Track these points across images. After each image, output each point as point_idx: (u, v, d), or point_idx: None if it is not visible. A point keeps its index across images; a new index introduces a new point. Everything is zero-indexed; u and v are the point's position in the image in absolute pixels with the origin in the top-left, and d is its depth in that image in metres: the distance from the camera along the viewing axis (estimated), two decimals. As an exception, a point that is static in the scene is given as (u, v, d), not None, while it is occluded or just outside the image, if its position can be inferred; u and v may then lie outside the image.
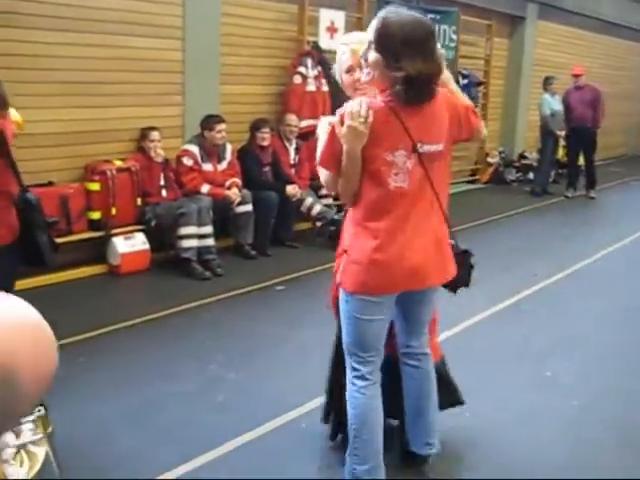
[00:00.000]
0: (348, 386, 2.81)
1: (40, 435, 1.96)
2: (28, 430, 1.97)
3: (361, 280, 2.62)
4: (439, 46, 2.62)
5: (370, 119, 2.43)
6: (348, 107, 2.46)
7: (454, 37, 9.89)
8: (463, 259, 2.87)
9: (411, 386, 2.97)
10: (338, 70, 2.83)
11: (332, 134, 2.53)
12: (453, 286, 2.86)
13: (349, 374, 2.81)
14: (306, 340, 4.52)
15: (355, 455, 2.81)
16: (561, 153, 12.08)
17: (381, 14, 2.51)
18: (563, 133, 10.59)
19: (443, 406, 3.15)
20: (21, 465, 2.06)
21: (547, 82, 10.73)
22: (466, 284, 2.91)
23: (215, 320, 5.00)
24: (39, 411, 2.03)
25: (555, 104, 10.59)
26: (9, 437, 1.88)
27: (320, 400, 3.45)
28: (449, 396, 3.22)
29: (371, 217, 2.59)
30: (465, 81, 10.35)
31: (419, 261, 2.60)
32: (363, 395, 2.76)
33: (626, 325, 5.16)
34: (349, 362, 2.80)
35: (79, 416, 3.46)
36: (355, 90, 2.72)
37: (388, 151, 2.50)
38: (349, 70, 2.75)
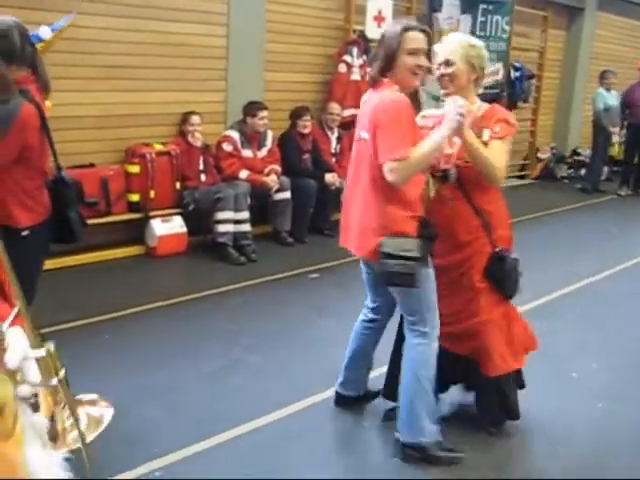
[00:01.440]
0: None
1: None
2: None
3: None
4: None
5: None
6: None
7: (507, 28, 9.66)
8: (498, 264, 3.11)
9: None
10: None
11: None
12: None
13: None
14: (332, 328, 4.51)
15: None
16: (617, 150, 11.73)
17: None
18: (617, 129, 10.26)
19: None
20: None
21: (603, 76, 10.38)
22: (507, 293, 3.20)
23: (244, 304, 5.03)
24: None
25: (610, 99, 10.25)
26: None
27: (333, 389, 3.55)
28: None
29: None
30: (517, 73, 10.12)
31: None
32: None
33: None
34: None
35: (98, 390, 3.52)
36: (414, 74, 2.88)
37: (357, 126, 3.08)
38: (413, 52, 2.86)
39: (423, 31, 2.89)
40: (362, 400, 3.54)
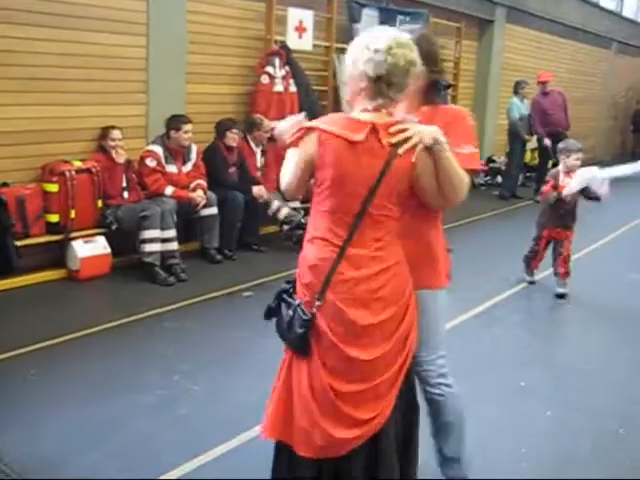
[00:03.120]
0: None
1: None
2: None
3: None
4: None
5: None
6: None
7: (423, 39, 9.77)
8: None
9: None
10: None
11: None
12: None
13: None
14: (276, 350, 4.33)
15: None
16: (529, 157, 12.10)
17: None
18: (533, 138, 10.58)
19: None
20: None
21: (519, 86, 10.71)
22: None
23: (179, 328, 4.79)
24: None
25: (524, 109, 10.57)
26: None
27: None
28: None
29: None
30: (434, 83, 10.23)
31: None
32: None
33: (596, 333, 5.08)
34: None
35: (27, 437, 3.23)
36: None
37: None
38: None
39: None
40: None
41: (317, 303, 2.33)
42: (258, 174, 6.95)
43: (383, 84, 2.28)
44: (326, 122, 2.33)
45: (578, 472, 3.17)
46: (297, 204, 7.14)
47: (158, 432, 3.37)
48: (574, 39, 15.03)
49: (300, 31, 7.75)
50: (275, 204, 6.81)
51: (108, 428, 3.38)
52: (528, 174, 12.24)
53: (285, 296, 2.47)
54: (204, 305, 5.29)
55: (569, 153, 5.56)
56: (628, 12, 18.13)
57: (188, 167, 6.30)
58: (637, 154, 18.25)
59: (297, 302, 2.40)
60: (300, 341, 2.37)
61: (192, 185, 6.22)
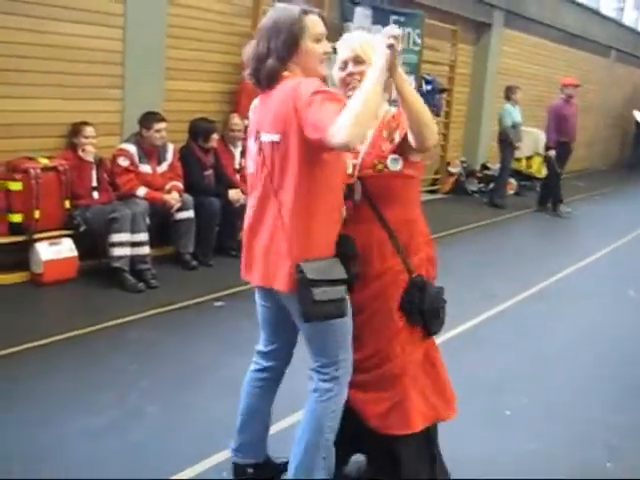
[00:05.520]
0: None
1: None
2: None
3: None
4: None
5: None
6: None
7: (418, 41, 9.51)
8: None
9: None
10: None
11: None
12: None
13: None
14: (242, 367, 4.02)
15: None
16: (524, 165, 11.85)
17: None
18: (521, 144, 10.32)
19: None
20: None
21: (510, 92, 10.41)
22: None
23: (143, 340, 4.47)
24: None
25: (516, 115, 10.28)
26: None
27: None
28: None
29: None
30: (429, 87, 9.98)
31: (246, 253, 2.60)
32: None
33: (592, 354, 4.79)
34: None
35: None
36: (321, 62, 2.51)
37: (249, 136, 2.59)
38: (319, 38, 2.48)
39: (319, 14, 2.50)
40: (264, 471, 2.89)
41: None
42: (236, 176, 6.63)
43: None
44: None
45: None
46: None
47: (103, 459, 3.06)
48: (572, 46, 14.78)
49: (288, 28, 7.43)
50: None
51: (47, 453, 3.06)
52: (523, 183, 11.97)
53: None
54: (173, 315, 4.98)
55: None
56: (628, 20, 17.90)
57: (163, 167, 5.98)
58: (635, 165, 18.00)
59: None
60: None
61: (167, 187, 5.91)
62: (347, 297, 2.46)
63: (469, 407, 3.56)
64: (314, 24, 2.45)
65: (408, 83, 2.41)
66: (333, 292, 2.37)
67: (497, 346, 4.77)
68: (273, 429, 3.01)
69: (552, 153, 9.87)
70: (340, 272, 2.41)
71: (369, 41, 2.57)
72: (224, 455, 3.07)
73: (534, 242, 8.74)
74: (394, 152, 2.56)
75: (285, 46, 2.41)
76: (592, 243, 8.38)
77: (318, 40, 2.46)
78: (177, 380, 3.92)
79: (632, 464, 3.35)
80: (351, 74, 2.57)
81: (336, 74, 2.65)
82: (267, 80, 2.45)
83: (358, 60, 2.56)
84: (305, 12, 2.44)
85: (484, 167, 11.90)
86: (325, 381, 2.55)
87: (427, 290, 2.63)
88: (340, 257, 2.46)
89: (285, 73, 2.44)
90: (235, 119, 6.61)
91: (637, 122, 17.55)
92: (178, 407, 3.59)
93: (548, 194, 10.32)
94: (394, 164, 2.55)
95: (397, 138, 2.55)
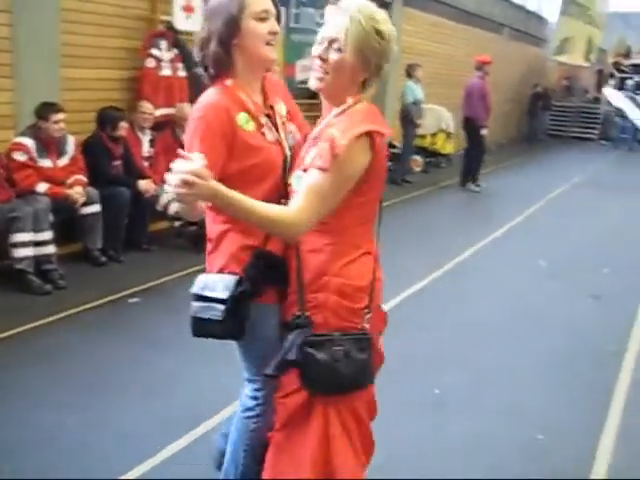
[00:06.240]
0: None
1: None
2: None
3: None
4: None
5: None
6: None
7: (320, 21, 9.41)
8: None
9: None
10: None
11: None
12: None
13: None
14: (171, 366, 3.86)
15: None
16: (428, 142, 12.02)
17: None
18: (420, 122, 10.48)
19: None
20: None
21: (412, 69, 10.54)
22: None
23: (54, 346, 4.21)
24: None
25: (418, 92, 10.41)
26: None
27: (186, 440, 2.89)
28: None
29: None
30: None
31: None
32: None
33: (509, 331, 4.89)
34: None
35: None
36: (267, 44, 2.25)
37: None
38: (263, 17, 2.21)
39: None
40: None
41: (367, 316, 2.19)
42: (145, 164, 6.37)
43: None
44: (369, 119, 2.13)
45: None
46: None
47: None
48: (470, 24, 15.09)
49: (188, 11, 7.16)
50: (165, 198, 6.25)
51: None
52: (429, 160, 12.16)
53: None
54: (85, 315, 4.72)
55: None
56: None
57: (64, 161, 5.65)
58: (532, 138, 18.78)
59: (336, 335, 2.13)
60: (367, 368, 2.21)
61: (69, 181, 5.58)
62: (262, 318, 2.21)
63: (397, 390, 3.56)
64: (256, 0, 2.16)
65: (235, 205, 1.91)
66: (208, 310, 2.13)
67: (419, 326, 4.78)
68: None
69: (485, 132, 10.11)
70: (222, 291, 2.12)
71: (363, 19, 2.08)
72: (153, 461, 2.94)
73: (445, 217, 8.87)
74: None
75: (225, 27, 2.13)
76: (502, 215, 8.60)
77: (262, 19, 2.16)
78: (95, 387, 3.70)
79: (563, 438, 3.42)
80: (320, 57, 2.11)
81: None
82: (214, 69, 2.21)
83: (333, 46, 2.09)
84: None
85: (390, 145, 11.98)
86: (249, 398, 2.38)
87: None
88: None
89: (227, 82, 2.19)
90: (146, 104, 6.38)
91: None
92: (99, 416, 3.39)
93: (470, 171, 10.55)
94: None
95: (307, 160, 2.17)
